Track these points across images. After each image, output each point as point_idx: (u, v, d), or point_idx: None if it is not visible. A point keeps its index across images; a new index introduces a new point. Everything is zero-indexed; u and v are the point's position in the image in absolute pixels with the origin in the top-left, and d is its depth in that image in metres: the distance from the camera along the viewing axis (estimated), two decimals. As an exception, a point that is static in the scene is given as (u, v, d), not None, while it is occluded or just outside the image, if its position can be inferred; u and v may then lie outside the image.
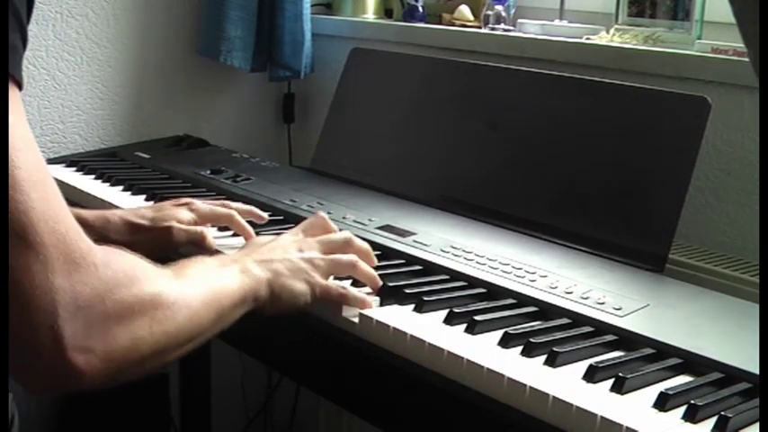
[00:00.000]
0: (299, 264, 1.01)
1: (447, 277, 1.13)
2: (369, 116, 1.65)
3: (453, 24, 1.87)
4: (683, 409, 0.81)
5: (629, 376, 0.85)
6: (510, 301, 1.06)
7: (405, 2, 1.98)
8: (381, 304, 1.03)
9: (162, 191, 1.45)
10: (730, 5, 0.78)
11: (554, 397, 0.82)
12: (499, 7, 1.77)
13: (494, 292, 1.09)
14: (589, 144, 1.33)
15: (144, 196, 1.45)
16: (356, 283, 1.06)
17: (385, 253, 1.18)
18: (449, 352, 0.90)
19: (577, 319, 1.01)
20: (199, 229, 1.18)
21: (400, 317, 0.99)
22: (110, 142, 1.90)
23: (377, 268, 1.09)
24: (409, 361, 0.94)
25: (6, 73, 0.72)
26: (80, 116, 1.86)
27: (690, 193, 1.23)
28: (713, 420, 0.79)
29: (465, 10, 1.88)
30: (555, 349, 0.90)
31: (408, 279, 1.11)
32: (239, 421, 2.21)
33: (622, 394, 0.84)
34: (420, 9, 1.94)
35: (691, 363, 0.92)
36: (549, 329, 0.98)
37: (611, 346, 0.96)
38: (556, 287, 1.08)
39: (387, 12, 2.09)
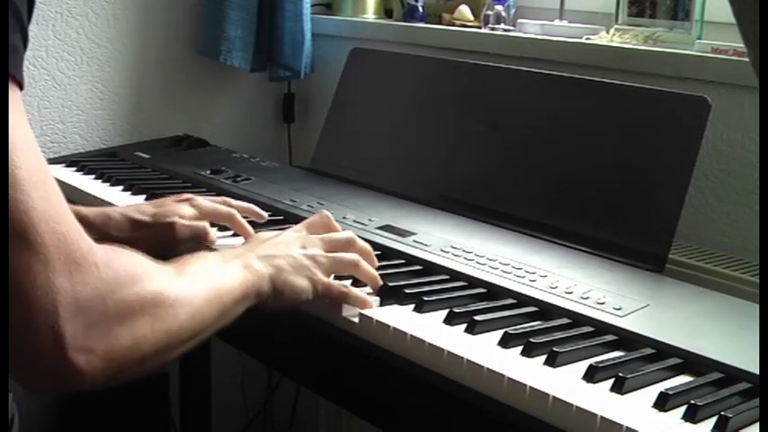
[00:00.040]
0: (301, 260, 1.01)
1: (447, 277, 1.13)
2: (369, 116, 1.65)
3: (453, 24, 1.87)
4: (683, 409, 0.81)
5: (629, 376, 0.85)
6: (510, 301, 1.06)
7: (405, 2, 1.98)
8: (381, 304, 1.03)
9: (162, 191, 1.45)
10: (730, 5, 0.78)
11: (554, 397, 0.82)
12: (499, 7, 1.77)
13: (494, 292, 1.09)
14: (589, 144, 1.33)
15: (144, 196, 1.45)
16: (356, 283, 1.06)
17: (385, 253, 1.18)
18: (449, 352, 0.90)
19: (577, 319, 1.01)
20: (201, 224, 1.18)
21: (400, 317, 0.99)
22: (110, 142, 1.90)
23: (377, 268, 1.09)
24: (409, 361, 0.94)
25: (6, 73, 0.72)
26: (80, 116, 1.86)
27: (690, 193, 1.23)
28: (713, 420, 0.79)
29: (465, 10, 1.88)
30: (555, 349, 0.90)
31: (408, 279, 1.11)
32: (239, 421, 2.21)
33: (622, 394, 0.84)
34: (420, 9, 1.94)
35: (691, 363, 0.92)
36: (549, 329, 0.98)
37: (611, 346, 0.96)
38: (556, 287, 1.08)
39: (387, 12, 2.09)
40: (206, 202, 1.22)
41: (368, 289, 1.05)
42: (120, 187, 1.51)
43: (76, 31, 1.83)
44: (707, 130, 1.22)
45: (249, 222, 1.22)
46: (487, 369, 0.87)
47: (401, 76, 1.64)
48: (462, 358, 0.89)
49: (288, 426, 2.21)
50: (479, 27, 1.81)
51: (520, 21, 1.76)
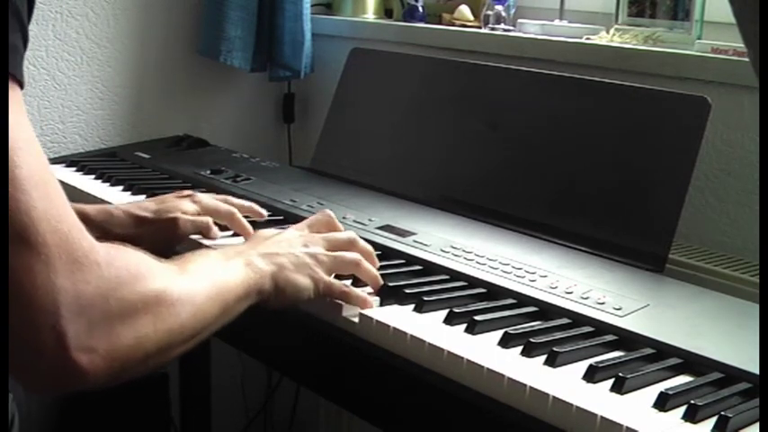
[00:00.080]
0: (303, 258, 1.01)
1: (447, 277, 1.13)
2: (369, 116, 1.65)
3: (453, 24, 1.87)
4: (683, 409, 0.81)
5: (629, 376, 0.85)
6: (510, 301, 1.06)
7: (405, 2, 1.98)
8: (381, 304, 1.03)
9: (162, 191, 1.45)
10: (730, 5, 0.78)
11: (554, 397, 0.82)
12: (499, 7, 1.77)
13: (494, 292, 1.09)
14: (589, 144, 1.33)
15: (144, 196, 1.45)
16: (357, 283, 1.06)
17: (385, 253, 1.18)
18: (449, 352, 0.90)
19: (577, 319, 1.01)
20: (205, 219, 1.18)
21: (400, 317, 0.99)
22: (110, 142, 1.90)
23: (377, 268, 1.09)
24: (409, 361, 0.94)
25: (6, 73, 0.72)
26: (80, 116, 1.86)
27: (690, 193, 1.23)
28: (713, 420, 0.79)
29: (465, 10, 1.88)
30: (555, 349, 0.90)
31: (408, 279, 1.11)
32: (239, 421, 2.21)
33: (622, 394, 0.84)
34: (420, 9, 1.94)
35: (691, 363, 0.92)
36: (549, 329, 0.98)
37: (611, 346, 0.96)
38: (556, 287, 1.08)
39: (387, 12, 2.09)
40: (207, 198, 1.22)
41: (368, 289, 1.05)
42: (121, 187, 1.51)
43: (76, 31, 1.83)
44: (707, 130, 1.22)
45: (249, 222, 1.22)
46: (487, 369, 0.87)
47: (401, 76, 1.64)
48: (462, 358, 0.89)
49: (288, 426, 2.21)
50: (479, 27, 1.81)
51: (520, 21, 1.76)
